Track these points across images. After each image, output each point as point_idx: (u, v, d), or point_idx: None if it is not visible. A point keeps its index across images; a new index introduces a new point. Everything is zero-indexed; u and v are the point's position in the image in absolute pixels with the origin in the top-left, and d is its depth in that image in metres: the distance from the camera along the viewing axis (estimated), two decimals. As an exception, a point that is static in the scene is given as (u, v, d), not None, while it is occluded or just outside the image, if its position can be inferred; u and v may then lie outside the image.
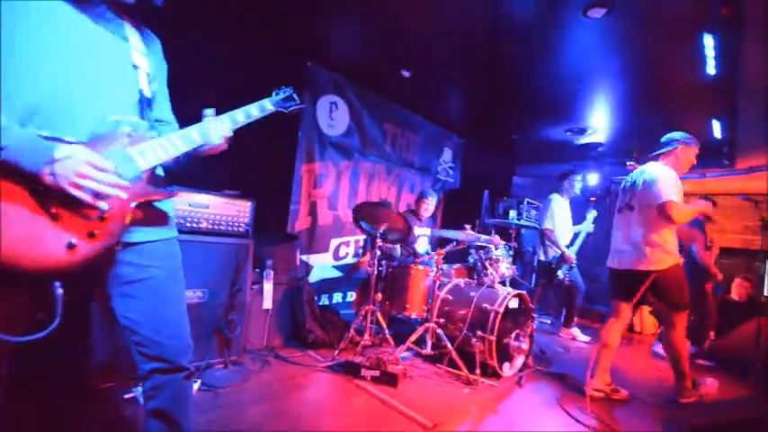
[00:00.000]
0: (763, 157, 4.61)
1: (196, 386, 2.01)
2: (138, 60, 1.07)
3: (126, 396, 1.84)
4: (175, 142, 1.05)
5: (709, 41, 2.43)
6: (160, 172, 1.11)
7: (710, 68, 2.69)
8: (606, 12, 2.29)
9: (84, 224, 0.91)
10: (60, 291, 0.94)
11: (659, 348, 3.83)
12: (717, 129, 3.88)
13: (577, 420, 2.21)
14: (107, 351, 1.88)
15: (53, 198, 0.87)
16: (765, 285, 5.88)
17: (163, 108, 1.22)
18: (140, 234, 1.05)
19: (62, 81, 0.93)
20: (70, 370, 1.72)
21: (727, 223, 6.43)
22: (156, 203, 1.09)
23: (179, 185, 2.11)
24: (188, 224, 2.17)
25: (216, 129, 1.11)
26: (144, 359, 1.07)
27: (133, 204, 0.99)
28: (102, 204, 0.91)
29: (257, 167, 3.00)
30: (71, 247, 0.89)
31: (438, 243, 3.86)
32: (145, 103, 1.08)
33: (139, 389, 1.84)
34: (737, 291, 4.64)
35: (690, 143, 2.53)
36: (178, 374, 1.10)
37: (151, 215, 1.07)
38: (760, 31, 2.30)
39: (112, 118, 0.98)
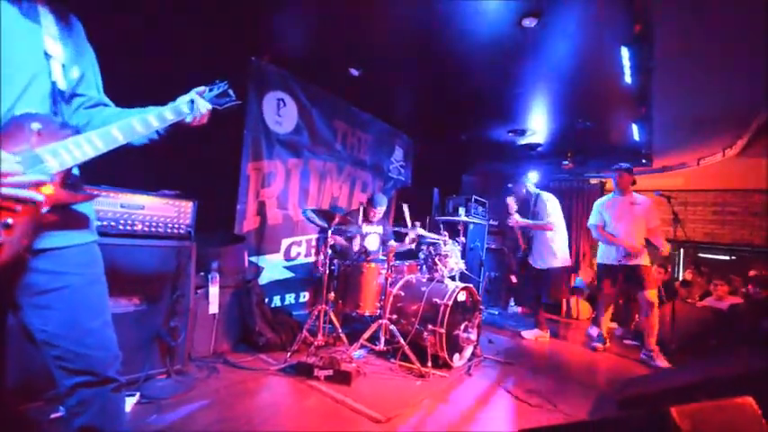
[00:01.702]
0: (675, 157, 5.23)
1: (134, 399, 1.88)
2: (51, 48, 0.98)
3: (53, 416, 1.68)
4: (94, 142, 0.96)
5: (625, 53, 2.70)
6: (75, 171, 1.03)
7: (627, 78, 3.00)
8: (538, 22, 2.46)
9: None
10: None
11: (594, 332, 4.20)
12: (636, 132, 4.32)
13: (521, 399, 2.37)
14: (29, 368, 1.69)
15: None
16: (680, 272, 6.67)
17: (98, 93, 1.15)
18: (55, 239, 0.97)
19: None
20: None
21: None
22: (73, 206, 1.01)
23: (109, 185, 1.96)
24: (121, 227, 2.01)
25: (140, 127, 1.05)
26: (66, 374, 0.98)
27: (45, 210, 0.90)
28: (9, 219, 0.84)
29: (201, 166, 2.85)
30: (-28, 257, 0.80)
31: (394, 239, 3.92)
32: (59, 97, 0.99)
33: (66, 407, 1.69)
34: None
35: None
36: (106, 386, 1.02)
37: (67, 218, 0.99)
38: (666, 47, 2.61)
39: (18, 113, 0.88)
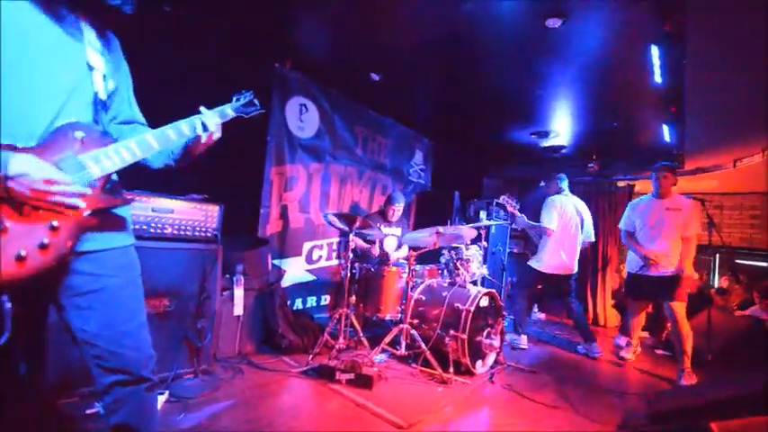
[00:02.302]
0: (708, 159, 4.99)
1: (164, 398, 1.94)
2: (93, 60, 1.03)
3: (88, 411, 1.75)
4: (132, 148, 1.01)
5: (655, 52, 2.61)
6: (114, 177, 1.08)
7: (658, 77, 2.89)
8: (563, 22, 2.41)
9: (35, 235, 0.87)
10: (8, 304, 0.90)
11: (621, 341, 4.04)
12: (667, 133, 4.16)
13: (546, 409, 2.30)
14: (66, 365, 1.78)
15: (0, 209, 0.83)
16: (716, 278, 6.34)
17: (130, 109, 1.19)
18: (95, 242, 1.01)
19: (10, 80, 0.89)
20: (25, 387, 1.62)
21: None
22: (112, 210, 1.06)
23: (140, 190, 2.04)
24: (152, 230, 2.09)
25: (173, 135, 1.09)
26: (103, 372, 1.02)
27: (87, 213, 0.95)
28: (54, 222, 0.89)
29: (226, 171, 2.93)
30: (20, 259, 0.85)
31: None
32: (99, 106, 1.04)
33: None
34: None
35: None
36: (140, 386, 1.06)
37: (106, 222, 1.03)
38: (699, 45, 2.50)
39: (64, 122, 0.94)
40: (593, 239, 4.00)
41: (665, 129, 4.07)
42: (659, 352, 4.05)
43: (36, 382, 1.74)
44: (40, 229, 0.88)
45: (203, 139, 1.15)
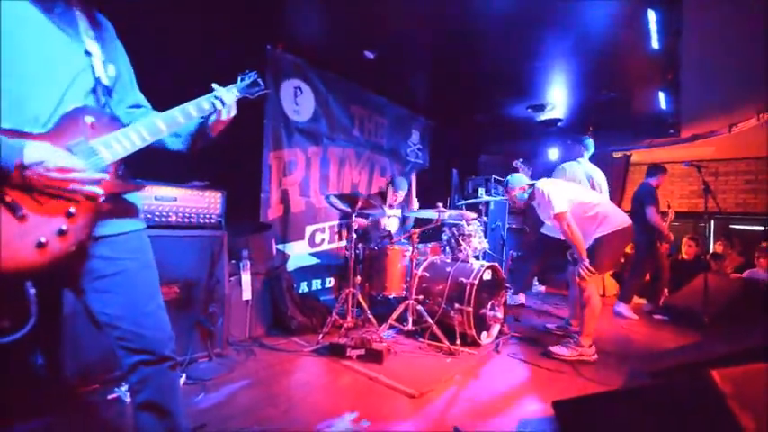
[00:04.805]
0: (704, 125, 5.00)
1: (181, 380, 1.99)
2: (90, 46, 1.03)
3: (109, 397, 1.80)
4: (141, 132, 1.01)
5: (652, 17, 2.58)
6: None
7: (655, 43, 2.87)
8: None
9: (53, 222, 0.89)
10: (33, 290, 0.91)
11: (620, 308, 4.15)
12: (663, 100, 4.15)
13: (554, 371, 2.40)
14: (84, 353, 1.82)
15: (18, 197, 0.84)
16: (711, 244, 6.46)
17: (134, 93, 1.18)
18: (110, 227, 1.03)
19: (13, 70, 0.89)
20: (46, 374, 1.66)
21: (675, 188, 6.96)
22: (124, 195, 1.07)
23: (141, 179, 2.03)
24: (156, 218, 2.10)
25: (181, 118, 1.09)
26: (127, 353, 1.06)
27: (102, 199, 0.96)
28: (71, 209, 0.90)
29: (224, 157, 2.90)
30: (41, 246, 0.87)
31: (414, 223, 3.94)
32: (102, 91, 1.04)
33: (122, 388, 1.80)
34: (686, 250, 5.08)
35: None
36: (163, 364, 1.09)
37: (119, 207, 1.05)
38: (694, 7, 2.48)
39: (71, 107, 0.94)
40: None
41: (662, 96, 4.06)
42: (657, 317, 4.15)
43: (55, 370, 1.78)
44: (58, 216, 0.89)
45: (223, 116, 1.17)
